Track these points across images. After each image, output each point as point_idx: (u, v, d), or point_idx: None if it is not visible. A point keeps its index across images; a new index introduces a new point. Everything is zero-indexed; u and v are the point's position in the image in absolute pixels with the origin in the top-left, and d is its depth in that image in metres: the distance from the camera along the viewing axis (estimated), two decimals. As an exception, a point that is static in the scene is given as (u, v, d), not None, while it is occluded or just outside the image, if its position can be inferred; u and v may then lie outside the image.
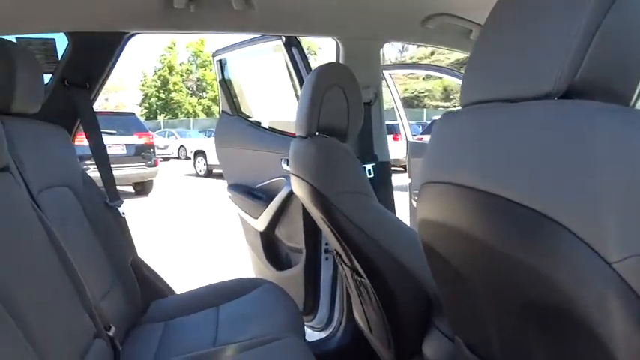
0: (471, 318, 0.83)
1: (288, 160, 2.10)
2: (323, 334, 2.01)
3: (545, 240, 0.54)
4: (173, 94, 29.28)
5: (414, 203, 3.21)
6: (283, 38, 1.96)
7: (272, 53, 2.17)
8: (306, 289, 2.03)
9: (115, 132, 7.41)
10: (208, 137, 15.09)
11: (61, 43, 1.62)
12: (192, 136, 18.47)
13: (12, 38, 1.49)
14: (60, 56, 1.61)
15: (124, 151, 7.78)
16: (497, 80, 0.68)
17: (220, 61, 2.51)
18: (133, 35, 1.62)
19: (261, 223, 2.23)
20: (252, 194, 2.30)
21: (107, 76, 1.66)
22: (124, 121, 8.02)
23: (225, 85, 2.51)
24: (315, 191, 1.31)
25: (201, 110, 30.06)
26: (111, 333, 1.24)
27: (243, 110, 2.54)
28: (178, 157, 16.93)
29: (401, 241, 1.29)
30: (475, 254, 0.71)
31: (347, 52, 1.82)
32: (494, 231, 0.64)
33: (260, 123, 2.47)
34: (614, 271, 0.47)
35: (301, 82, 1.96)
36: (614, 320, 0.49)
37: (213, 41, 32.56)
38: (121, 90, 28.40)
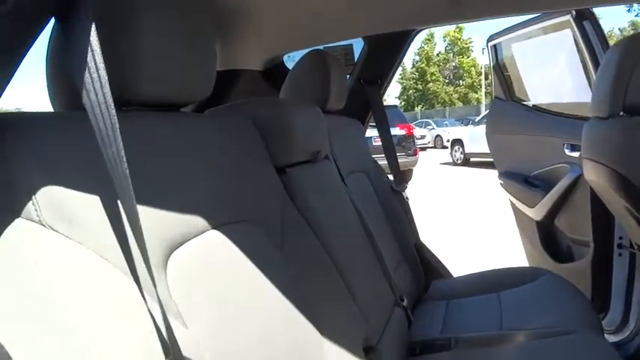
0: None
1: (571, 144, 1.95)
2: (614, 338, 1.80)
3: None
4: (430, 85, 29.77)
5: None
6: (573, 12, 1.80)
7: (555, 31, 2.02)
8: (594, 287, 1.84)
9: (381, 124, 7.98)
10: (466, 125, 14.86)
11: (356, 47, 1.86)
12: (448, 125, 18.53)
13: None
14: (356, 59, 1.85)
15: (388, 142, 8.32)
16: None
17: (495, 46, 2.46)
18: (420, 31, 1.74)
19: (538, 212, 2.12)
20: (528, 182, 2.20)
21: (395, 71, 1.83)
22: (388, 114, 8.55)
23: (500, 70, 2.45)
24: (621, 178, 1.19)
25: (457, 98, 29.76)
26: (404, 304, 1.39)
27: (517, 95, 2.44)
28: (434, 147, 17.22)
29: None
30: None
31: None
32: None
33: (531, 105, 2.33)
34: None
35: (594, 58, 1.77)
36: None
37: (471, 26, 31.73)
38: (382, 85, 30.41)
